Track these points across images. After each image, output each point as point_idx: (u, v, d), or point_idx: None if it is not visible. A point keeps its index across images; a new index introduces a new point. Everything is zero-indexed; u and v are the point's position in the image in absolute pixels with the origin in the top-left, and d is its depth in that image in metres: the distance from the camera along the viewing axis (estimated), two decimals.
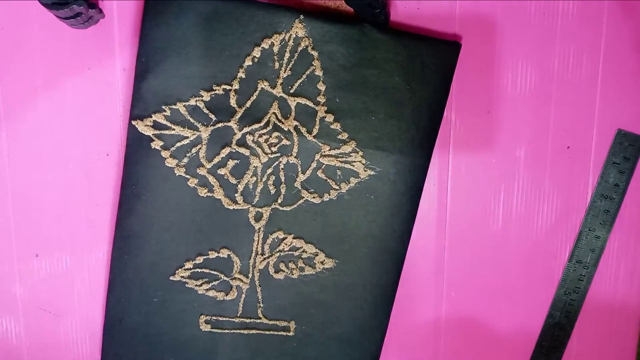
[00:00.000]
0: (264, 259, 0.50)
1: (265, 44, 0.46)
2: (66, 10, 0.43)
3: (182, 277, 0.49)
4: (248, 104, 0.47)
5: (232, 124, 0.47)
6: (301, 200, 0.49)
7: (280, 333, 0.51)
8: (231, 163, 0.48)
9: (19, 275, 0.51)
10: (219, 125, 0.47)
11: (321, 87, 0.47)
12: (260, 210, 0.49)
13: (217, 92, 0.47)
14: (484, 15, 0.50)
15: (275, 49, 0.47)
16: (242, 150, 0.48)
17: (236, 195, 0.48)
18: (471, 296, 0.54)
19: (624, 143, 0.52)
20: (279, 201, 0.49)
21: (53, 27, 0.47)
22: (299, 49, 0.47)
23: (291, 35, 0.46)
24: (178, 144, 0.47)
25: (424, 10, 0.49)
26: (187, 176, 0.48)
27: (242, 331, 0.51)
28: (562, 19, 0.50)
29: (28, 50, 0.48)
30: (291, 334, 0.51)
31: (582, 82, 0.51)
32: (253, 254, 0.50)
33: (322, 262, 0.50)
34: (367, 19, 0.47)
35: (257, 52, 0.47)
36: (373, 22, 0.47)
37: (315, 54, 0.47)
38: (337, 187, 0.49)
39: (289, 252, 0.50)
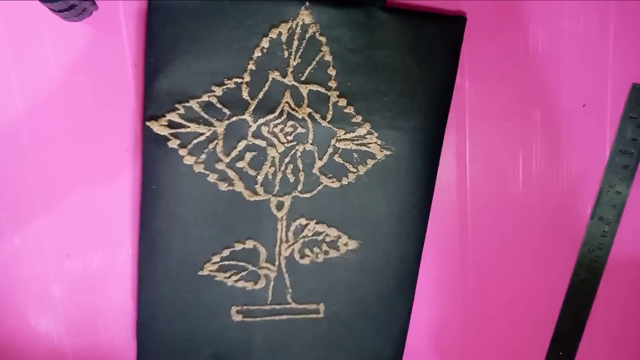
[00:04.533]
0: (289, 245, 0.51)
1: (273, 34, 0.46)
2: (60, 3, 0.42)
3: (210, 271, 0.50)
4: (260, 95, 0.47)
5: (247, 116, 0.47)
6: (320, 186, 0.49)
7: (310, 316, 0.52)
8: (249, 155, 0.48)
9: (54, 276, 0.52)
10: (234, 118, 0.47)
11: (332, 72, 0.47)
12: (281, 199, 0.49)
13: (228, 86, 0.47)
14: None
15: (284, 37, 0.46)
16: (259, 141, 0.48)
17: (256, 186, 0.49)
18: (496, 260, 0.55)
19: None
20: (299, 189, 0.49)
21: (61, 29, 0.47)
22: (307, 35, 0.46)
23: (298, 22, 0.46)
24: (195, 141, 0.47)
25: None
26: (207, 172, 0.48)
27: (273, 317, 0.52)
28: None
29: (40, 54, 0.48)
30: (321, 315, 0.52)
31: (594, 38, 0.50)
32: (278, 242, 0.50)
33: (345, 244, 0.51)
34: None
35: (265, 43, 0.46)
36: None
37: (323, 39, 0.46)
38: (355, 170, 0.49)
39: (313, 237, 0.51)
